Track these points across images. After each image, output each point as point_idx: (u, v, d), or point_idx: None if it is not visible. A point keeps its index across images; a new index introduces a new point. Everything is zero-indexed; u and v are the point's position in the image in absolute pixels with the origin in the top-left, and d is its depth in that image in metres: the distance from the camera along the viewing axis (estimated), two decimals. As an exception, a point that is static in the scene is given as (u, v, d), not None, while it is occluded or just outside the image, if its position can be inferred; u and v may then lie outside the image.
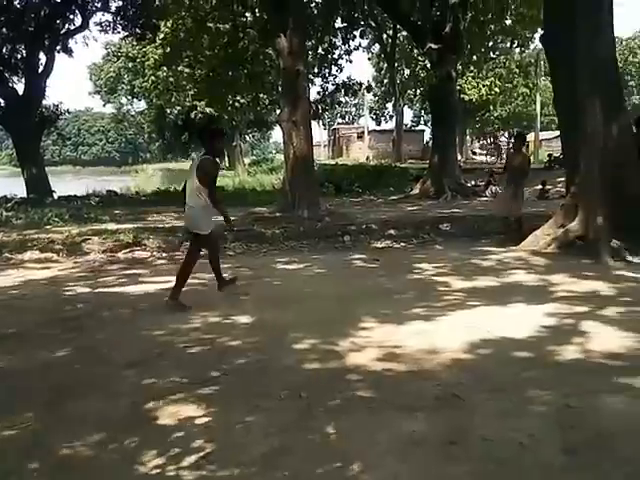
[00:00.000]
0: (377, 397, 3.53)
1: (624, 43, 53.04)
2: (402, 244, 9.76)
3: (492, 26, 25.57)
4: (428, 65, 23.96)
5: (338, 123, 62.80)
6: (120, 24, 20.92)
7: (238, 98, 28.12)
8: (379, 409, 3.36)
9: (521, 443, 2.86)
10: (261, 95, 27.04)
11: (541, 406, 3.30)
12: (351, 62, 27.94)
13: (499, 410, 3.29)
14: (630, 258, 7.36)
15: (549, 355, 4.17)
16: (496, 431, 3.02)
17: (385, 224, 11.83)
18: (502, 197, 9.50)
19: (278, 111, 17.21)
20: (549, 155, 25.73)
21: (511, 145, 18.32)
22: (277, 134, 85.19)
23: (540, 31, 26.60)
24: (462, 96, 36.67)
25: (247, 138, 61.08)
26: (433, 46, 19.83)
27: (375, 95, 53.03)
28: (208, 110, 34.47)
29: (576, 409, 3.22)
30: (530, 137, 31.38)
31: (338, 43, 25.56)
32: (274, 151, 72.64)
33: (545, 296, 5.89)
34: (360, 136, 50.66)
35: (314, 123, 35.52)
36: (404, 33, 32.63)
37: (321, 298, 6.18)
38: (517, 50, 35.35)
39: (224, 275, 6.44)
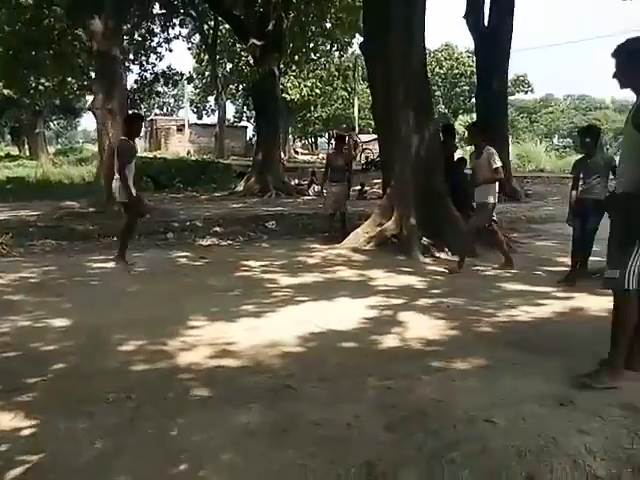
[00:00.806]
0: (211, 394, 3.52)
1: (432, 55, 57.76)
2: (228, 242, 9.75)
3: (313, 28, 26.48)
4: (251, 61, 24.12)
5: (155, 114, 60.63)
6: None
7: (42, 81, 25.82)
8: (213, 405, 3.36)
9: (348, 424, 3.05)
10: (69, 79, 25.15)
11: (365, 391, 3.53)
12: (171, 51, 27.14)
13: (328, 396, 3.45)
14: (437, 254, 8.12)
15: (372, 344, 4.47)
16: (325, 416, 3.17)
17: (210, 221, 11.77)
18: (338, 194, 9.80)
19: (88, 97, 16.10)
20: (366, 157, 27.33)
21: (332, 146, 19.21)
22: (86, 122, 79.83)
23: (358, 37, 28.29)
24: (284, 95, 37.50)
25: (52, 125, 56.59)
26: (256, 42, 20.03)
27: (196, 87, 52.15)
28: (6, 92, 31.14)
29: (396, 391, 3.49)
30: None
31: (157, 30, 24.79)
32: (81, 140, 68.00)
33: (366, 290, 6.28)
34: (180, 129, 49.46)
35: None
36: (226, 26, 32.43)
37: (145, 297, 5.98)
38: (336, 54, 36.88)
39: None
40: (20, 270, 6.83)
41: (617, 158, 4.53)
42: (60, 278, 6.12)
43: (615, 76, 3.57)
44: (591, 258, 6.54)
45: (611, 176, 6.61)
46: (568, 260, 6.85)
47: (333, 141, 19.57)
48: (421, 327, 4.85)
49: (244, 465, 2.69)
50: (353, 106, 43.45)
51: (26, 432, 2.99)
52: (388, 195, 8.98)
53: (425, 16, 9.23)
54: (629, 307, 3.37)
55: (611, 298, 3.50)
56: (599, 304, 5.05)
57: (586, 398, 3.20)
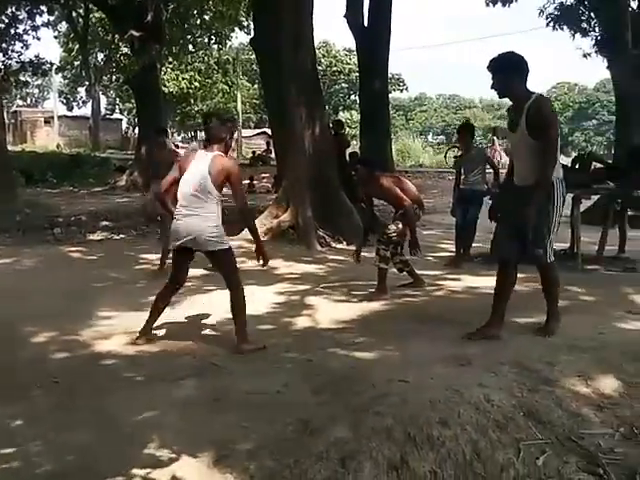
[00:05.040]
0: (140, 374, 3.65)
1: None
2: (122, 235, 9.59)
3: (191, 20, 26.11)
4: (127, 51, 23.44)
5: (18, 105, 56.54)
6: None
7: None
8: (146, 383, 3.52)
9: (278, 391, 3.33)
10: None
11: (288, 364, 3.82)
12: (39, 39, 25.57)
13: (254, 371, 3.70)
14: (333, 244, 8.53)
15: (286, 325, 4.77)
16: (254, 386, 3.42)
17: (96, 216, 11.41)
18: None
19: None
20: (253, 152, 27.43)
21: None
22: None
23: (238, 30, 28.21)
24: (163, 88, 36.45)
25: None
26: (135, 33, 19.46)
27: (65, 78, 49.28)
28: None
29: (316, 363, 3.81)
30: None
31: (21, 17, 23.39)
32: None
33: (271, 278, 6.48)
34: (48, 121, 46.55)
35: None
36: (97, 14, 30.95)
37: (48, 292, 5.81)
38: (215, 47, 36.35)
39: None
40: None
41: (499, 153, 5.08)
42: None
43: (493, 87, 3.97)
44: (473, 244, 7.20)
45: (489, 169, 7.34)
46: (452, 247, 7.50)
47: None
48: (328, 309, 5.21)
49: (189, 428, 2.89)
50: (235, 100, 43.12)
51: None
52: (283, 188, 9.27)
53: (313, 15, 9.55)
54: (555, 273, 4.14)
55: (493, 278, 4.09)
56: (485, 283, 5.46)
57: (481, 358, 3.65)
